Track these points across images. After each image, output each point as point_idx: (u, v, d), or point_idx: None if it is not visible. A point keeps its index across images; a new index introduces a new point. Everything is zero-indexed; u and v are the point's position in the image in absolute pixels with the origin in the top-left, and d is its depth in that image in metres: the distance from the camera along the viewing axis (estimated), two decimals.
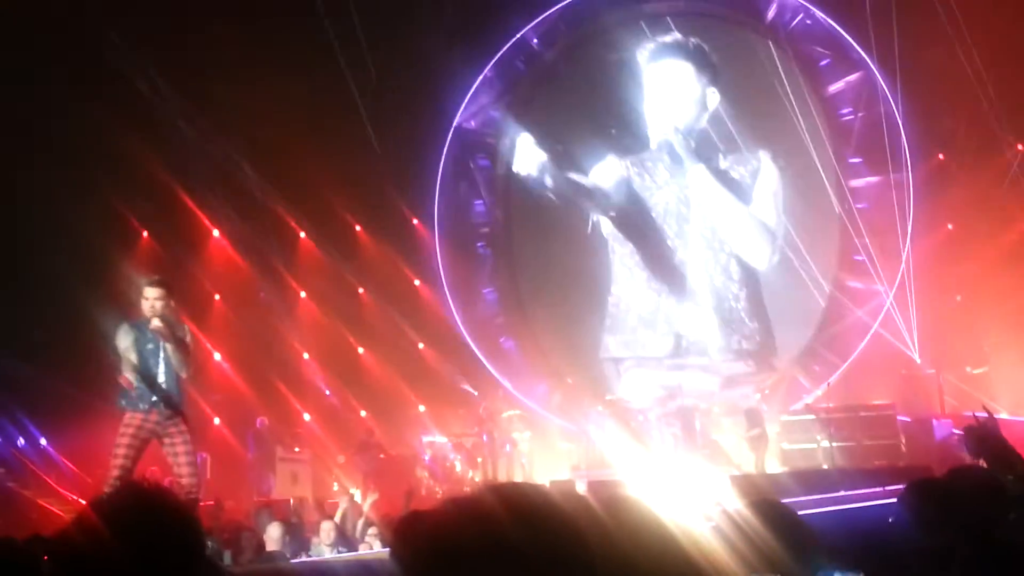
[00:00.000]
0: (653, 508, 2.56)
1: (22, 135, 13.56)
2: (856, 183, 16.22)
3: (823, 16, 16.11)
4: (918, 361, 14.87)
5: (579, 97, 16.87)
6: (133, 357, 7.52)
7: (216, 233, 17.20)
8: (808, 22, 16.39)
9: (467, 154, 17.61)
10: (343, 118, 15.51)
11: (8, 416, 14.17)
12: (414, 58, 15.66)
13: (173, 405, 7.57)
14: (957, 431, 12.35)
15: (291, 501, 13.53)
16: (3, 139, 13.31)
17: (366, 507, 10.58)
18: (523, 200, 17.24)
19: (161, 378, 7.57)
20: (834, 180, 15.99)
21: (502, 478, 14.28)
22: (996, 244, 14.86)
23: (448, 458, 15.56)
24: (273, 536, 9.21)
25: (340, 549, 9.21)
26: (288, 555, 8.99)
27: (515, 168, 16.56)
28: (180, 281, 15.77)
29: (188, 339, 7.81)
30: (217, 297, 16.85)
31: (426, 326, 17.39)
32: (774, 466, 13.28)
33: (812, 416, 13.88)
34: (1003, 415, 12.00)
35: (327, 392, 17.27)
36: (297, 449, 16.32)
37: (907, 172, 15.49)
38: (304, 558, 9.05)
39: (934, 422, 13.36)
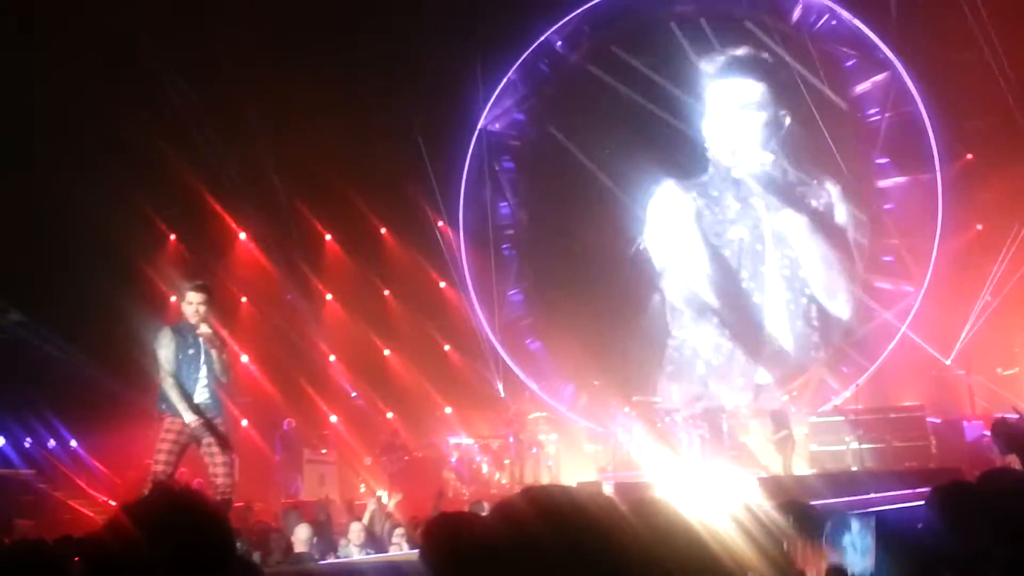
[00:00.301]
0: (681, 510, 2.55)
1: (54, 140, 13.69)
2: (883, 184, 16.11)
3: (848, 17, 16.00)
4: (948, 362, 14.74)
5: (611, 103, 16.80)
6: (173, 362, 7.54)
7: (243, 236, 17.30)
8: (833, 23, 16.28)
9: (492, 156, 17.61)
10: (369, 122, 15.56)
11: (39, 418, 14.29)
12: (440, 61, 15.68)
13: (212, 410, 7.59)
14: (988, 433, 12.24)
15: (318, 503, 13.56)
16: (36, 144, 13.47)
17: (390, 507, 10.60)
18: (547, 202, 17.25)
19: (202, 383, 7.60)
20: (862, 181, 15.92)
21: (529, 480, 14.28)
22: None
23: (475, 460, 15.57)
24: (301, 537, 9.24)
25: (368, 550, 9.23)
26: (316, 556, 9.01)
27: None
28: (212, 290, 15.91)
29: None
30: (244, 300, 16.95)
31: (452, 328, 17.42)
32: (802, 468, 13.19)
33: (841, 418, 13.77)
34: None
35: (353, 394, 17.32)
36: (324, 451, 16.39)
37: (935, 172, 15.37)
38: (332, 559, 9.08)
39: (964, 423, 13.25)
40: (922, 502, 3.68)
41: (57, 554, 3.85)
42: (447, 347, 17.45)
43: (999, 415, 10.36)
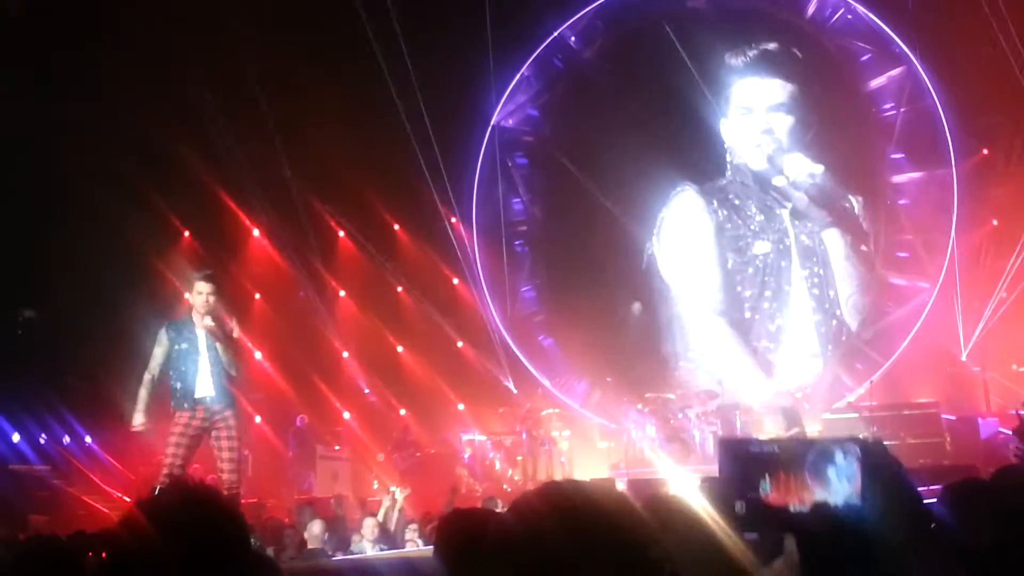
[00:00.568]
0: (695, 507, 2.55)
1: (67, 136, 13.74)
2: (898, 179, 16.04)
3: (864, 11, 15.93)
4: (963, 359, 14.67)
5: (625, 101, 16.69)
6: (157, 360, 7.64)
7: (256, 232, 17.34)
8: (849, 17, 16.21)
9: (505, 152, 17.58)
10: (381, 118, 15.55)
11: (54, 415, 14.36)
12: (452, 57, 15.67)
13: (218, 402, 7.62)
14: (1003, 430, 12.18)
15: (332, 499, 13.60)
16: (50, 141, 13.52)
17: (400, 503, 10.62)
18: (561, 198, 17.23)
19: (202, 376, 7.62)
20: (877, 177, 15.85)
21: (542, 476, 14.27)
22: None
23: (487, 456, 15.58)
24: (314, 533, 9.26)
25: (382, 546, 9.24)
26: (329, 552, 9.03)
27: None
28: (221, 280, 15.97)
29: (236, 334, 7.88)
30: (257, 296, 16.99)
31: (465, 324, 17.42)
32: None
33: (855, 415, 13.73)
34: None
35: (366, 390, 17.35)
36: (337, 447, 16.42)
37: (951, 167, 15.30)
38: (345, 555, 9.09)
39: (979, 420, 13.18)
40: (935, 499, 3.67)
41: (70, 549, 3.87)
42: (460, 343, 17.45)
43: (1013, 411, 10.33)
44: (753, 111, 16.38)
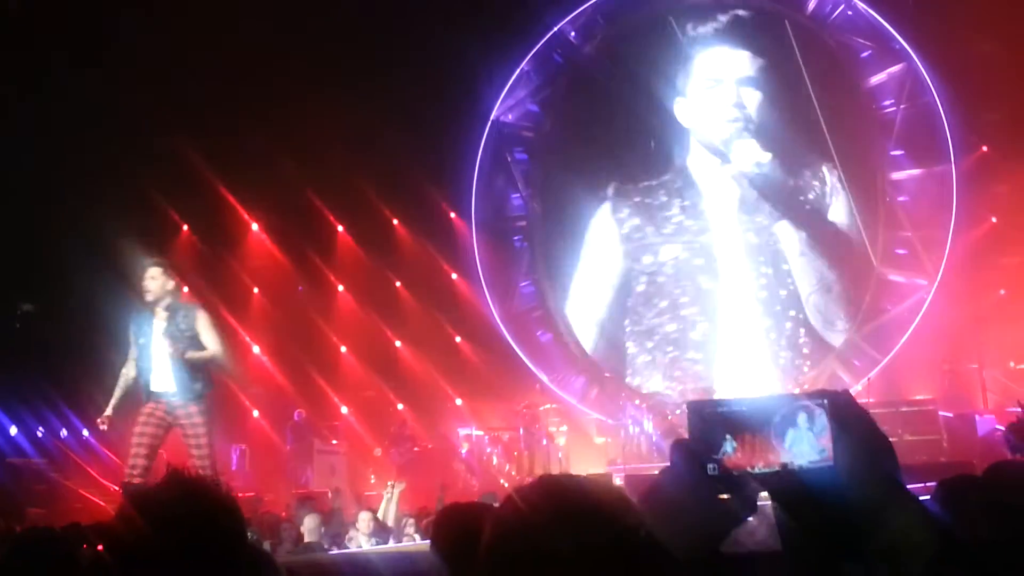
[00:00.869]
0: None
1: (63, 131, 13.72)
2: (897, 176, 16.03)
3: (865, 7, 15.92)
4: (961, 356, 14.67)
5: (622, 95, 16.72)
6: (129, 350, 7.66)
7: (255, 227, 17.33)
8: (849, 13, 16.19)
9: (504, 148, 17.56)
10: (381, 112, 15.54)
11: (51, 408, 14.35)
12: (452, 51, 15.65)
13: (179, 396, 7.55)
14: (1000, 427, 12.18)
15: (329, 493, 13.61)
16: (49, 135, 13.50)
17: (395, 496, 10.62)
18: (560, 194, 17.22)
19: (157, 370, 7.57)
20: (876, 173, 15.83)
21: (539, 472, 14.27)
22: None
23: (485, 451, 15.58)
24: (310, 527, 9.26)
25: (378, 540, 9.24)
26: (326, 546, 9.03)
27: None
28: (219, 274, 16.00)
29: (200, 323, 7.67)
30: (256, 290, 16.99)
31: (463, 320, 17.41)
32: None
33: None
34: None
35: (364, 385, 17.35)
36: (335, 441, 16.42)
37: (950, 165, 15.29)
38: (341, 549, 9.09)
39: (977, 418, 13.19)
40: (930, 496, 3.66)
41: (65, 541, 3.86)
42: (458, 338, 17.45)
43: (1012, 408, 10.34)
44: (723, 82, 16.32)
